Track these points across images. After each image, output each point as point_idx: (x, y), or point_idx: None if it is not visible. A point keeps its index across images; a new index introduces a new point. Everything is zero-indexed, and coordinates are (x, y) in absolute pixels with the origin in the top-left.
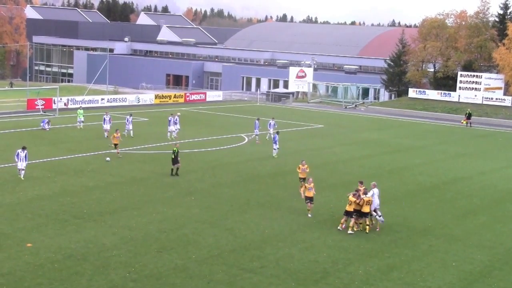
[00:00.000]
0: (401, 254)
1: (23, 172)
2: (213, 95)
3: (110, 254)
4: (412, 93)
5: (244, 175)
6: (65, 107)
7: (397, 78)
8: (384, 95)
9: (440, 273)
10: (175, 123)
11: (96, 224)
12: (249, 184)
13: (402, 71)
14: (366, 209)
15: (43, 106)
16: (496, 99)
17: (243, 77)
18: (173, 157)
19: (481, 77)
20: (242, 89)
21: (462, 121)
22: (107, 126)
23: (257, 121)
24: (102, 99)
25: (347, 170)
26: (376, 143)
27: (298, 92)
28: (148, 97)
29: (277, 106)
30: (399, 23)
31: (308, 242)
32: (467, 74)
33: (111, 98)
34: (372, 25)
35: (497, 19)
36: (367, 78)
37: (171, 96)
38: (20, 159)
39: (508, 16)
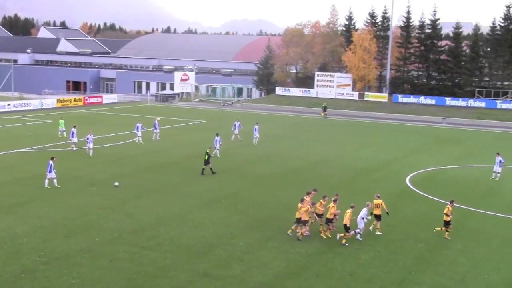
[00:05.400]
0: (276, 227)
1: None
2: (108, 98)
3: (21, 241)
4: (279, 91)
5: (140, 166)
6: None
7: (266, 79)
8: (255, 93)
9: (307, 241)
10: (155, 127)
11: (7, 215)
12: (145, 174)
13: (270, 73)
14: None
15: None
16: (346, 94)
17: (134, 82)
18: (206, 158)
19: (333, 76)
20: (134, 92)
21: (321, 113)
22: (90, 145)
23: (256, 126)
24: (8, 104)
25: (228, 158)
26: (251, 134)
27: (182, 93)
28: (50, 101)
29: (165, 105)
30: (265, 32)
31: (197, 221)
32: (323, 74)
33: (16, 104)
34: (244, 34)
35: (344, 29)
36: (241, 79)
37: (71, 100)
38: None
39: (352, 26)
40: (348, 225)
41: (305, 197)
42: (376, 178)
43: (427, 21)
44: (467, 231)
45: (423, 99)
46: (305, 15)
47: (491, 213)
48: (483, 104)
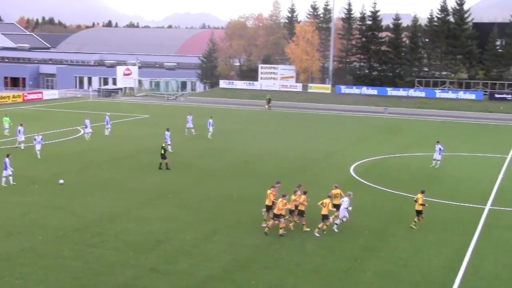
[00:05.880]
0: (224, 220)
1: None
2: (49, 94)
3: None
4: (223, 84)
5: (86, 162)
6: None
7: (209, 72)
8: (199, 87)
9: (255, 233)
10: (107, 123)
11: None
12: (89, 170)
13: (214, 66)
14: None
15: None
16: (290, 86)
17: (76, 77)
18: (162, 152)
19: (277, 69)
20: (76, 87)
21: (265, 105)
22: (38, 147)
23: (210, 120)
24: None
25: (176, 153)
26: (196, 128)
27: (125, 88)
28: None
29: (108, 101)
30: (208, 25)
31: (143, 216)
32: (266, 66)
33: None
34: (186, 28)
35: (287, 21)
36: (185, 73)
37: (9, 96)
38: None
39: (295, 19)
40: (327, 215)
41: (270, 190)
42: (321, 169)
43: (368, 13)
44: (409, 218)
45: (365, 90)
46: (247, 8)
47: (432, 199)
48: (423, 94)
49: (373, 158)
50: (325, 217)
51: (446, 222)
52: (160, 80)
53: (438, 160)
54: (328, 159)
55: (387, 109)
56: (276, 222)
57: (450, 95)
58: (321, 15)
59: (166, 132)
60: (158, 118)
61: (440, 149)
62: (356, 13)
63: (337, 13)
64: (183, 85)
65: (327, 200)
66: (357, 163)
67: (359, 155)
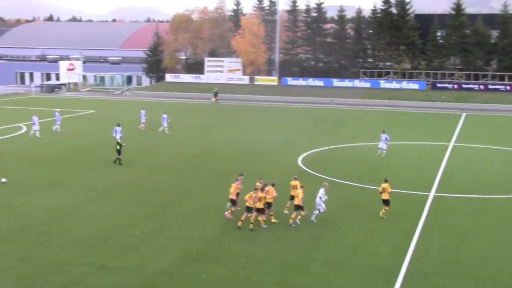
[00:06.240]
0: (173, 215)
1: None
2: None
3: None
4: (169, 77)
5: (28, 160)
6: None
7: (155, 66)
8: (145, 81)
9: (205, 226)
10: (57, 120)
11: None
12: (34, 168)
13: (159, 60)
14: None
15: None
16: (237, 78)
17: (16, 73)
18: (118, 148)
19: (223, 62)
20: (17, 83)
21: (212, 99)
22: None
23: (164, 115)
24: None
25: (125, 147)
26: (146, 122)
27: (69, 83)
28: None
29: (51, 96)
30: (153, 19)
31: (91, 213)
32: (213, 60)
33: None
34: (131, 21)
35: (232, 14)
36: (130, 67)
37: None
38: None
39: (240, 11)
40: (301, 205)
41: (235, 184)
42: (269, 161)
43: (313, 5)
44: (357, 207)
45: (311, 81)
46: (192, 1)
47: (379, 188)
48: (368, 84)
49: (320, 148)
50: (298, 207)
51: (392, 209)
52: (105, 75)
53: (383, 149)
54: (275, 151)
55: (333, 100)
56: (249, 215)
57: (394, 85)
58: (267, 8)
59: (116, 128)
60: (104, 113)
61: (386, 138)
62: (301, 5)
63: (283, 6)
64: (129, 80)
65: (299, 191)
66: (305, 154)
67: (307, 146)
